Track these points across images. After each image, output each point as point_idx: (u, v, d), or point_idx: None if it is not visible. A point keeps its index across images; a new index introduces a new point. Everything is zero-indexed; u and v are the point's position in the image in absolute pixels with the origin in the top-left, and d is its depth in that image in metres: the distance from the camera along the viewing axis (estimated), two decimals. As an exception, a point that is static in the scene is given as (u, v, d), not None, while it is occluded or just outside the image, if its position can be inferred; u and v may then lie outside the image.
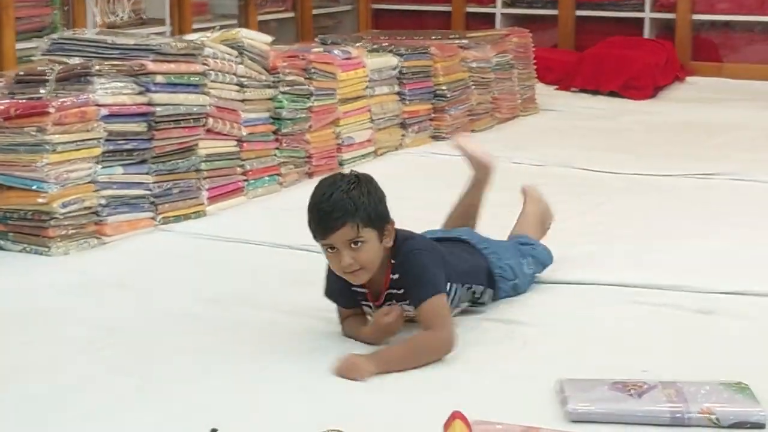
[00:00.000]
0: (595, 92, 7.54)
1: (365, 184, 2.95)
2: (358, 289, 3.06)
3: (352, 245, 2.88)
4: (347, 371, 2.81)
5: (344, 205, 2.86)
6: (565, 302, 3.43)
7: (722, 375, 2.74)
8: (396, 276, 3.01)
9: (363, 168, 5.24)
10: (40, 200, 3.89)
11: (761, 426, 2.53)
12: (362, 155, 5.45)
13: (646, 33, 8.00)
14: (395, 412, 2.61)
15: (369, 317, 3.12)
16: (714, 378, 2.71)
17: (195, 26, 6.70)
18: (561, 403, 2.62)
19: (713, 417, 2.55)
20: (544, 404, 2.65)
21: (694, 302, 3.40)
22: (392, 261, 3.01)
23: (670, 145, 6.00)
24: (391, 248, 3.01)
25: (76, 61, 4.31)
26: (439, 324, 2.94)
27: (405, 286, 3.01)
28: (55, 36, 4.73)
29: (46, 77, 4.11)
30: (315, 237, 2.94)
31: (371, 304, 3.09)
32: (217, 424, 2.47)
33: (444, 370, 2.86)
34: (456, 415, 2.23)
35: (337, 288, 3.09)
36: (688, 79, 7.85)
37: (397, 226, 3.04)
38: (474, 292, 3.24)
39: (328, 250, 2.92)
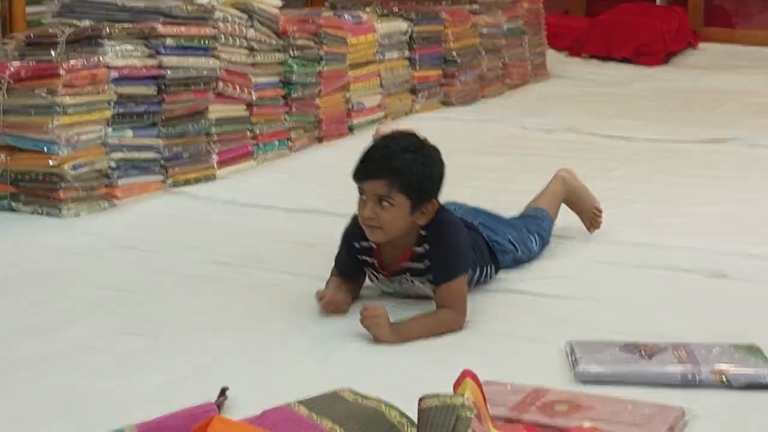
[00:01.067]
0: (606, 58, 7.54)
1: (426, 154, 2.89)
2: (366, 258, 3.03)
3: (381, 202, 2.84)
4: (372, 327, 2.77)
5: (390, 162, 2.83)
6: (575, 265, 3.43)
7: (734, 337, 2.74)
8: (422, 249, 2.95)
9: (370, 135, 5.29)
10: (50, 162, 3.91)
11: (771, 386, 2.54)
12: (372, 120, 5.45)
13: (659, -1, 7.97)
14: (405, 373, 2.62)
15: (377, 284, 3.11)
16: (726, 340, 2.71)
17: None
18: (571, 365, 2.63)
19: (724, 378, 2.55)
20: (554, 366, 2.66)
21: (706, 265, 3.39)
22: (422, 232, 2.95)
23: (681, 111, 6.00)
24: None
25: (86, 23, 4.29)
26: (460, 306, 2.91)
27: (432, 258, 2.94)
28: (65, -1, 4.72)
29: (57, 39, 4.10)
30: (353, 175, 2.89)
31: (378, 274, 3.06)
32: (227, 383, 2.48)
33: (454, 333, 2.87)
34: (466, 374, 2.22)
35: (345, 255, 3.06)
36: (701, 45, 7.82)
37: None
38: (483, 273, 3.18)
39: (361, 195, 2.89)
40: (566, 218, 3.64)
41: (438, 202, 2.95)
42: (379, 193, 2.83)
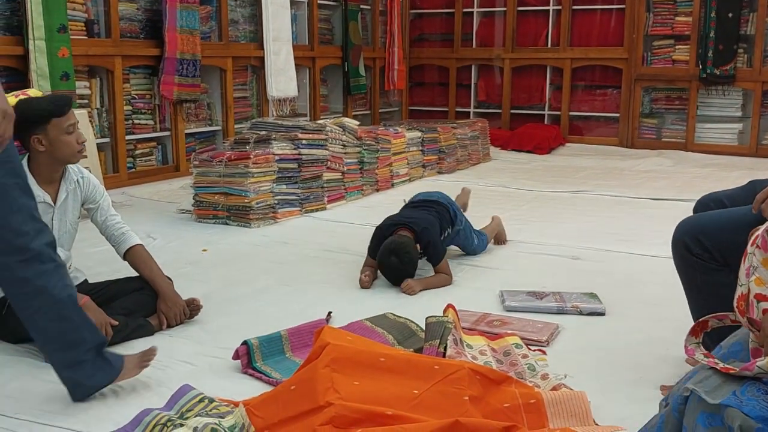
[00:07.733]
0: (519, 150, 7.45)
1: (407, 245, 2.81)
2: None
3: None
4: (406, 289, 2.73)
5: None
6: (504, 254, 3.38)
7: (583, 289, 2.71)
8: (422, 251, 2.88)
9: (402, 188, 5.29)
10: (246, 200, 3.92)
11: (601, 313, 2.50)
12: (403, 181, 5.40)
13: (546, 120, 7.88)
14: (418, 306, 2.59)
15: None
16: (579, 290, 2.69)
17: (322, 116, 6.71)
18: (501, 301, 2.61)
19: (579, 309, 2.53)
20: (493, 302, 2.64)
21: (567, 252, 3.35)
22: (417, 242, 2.87)
23: (557, 176, 5.92)
24: (415, 234, 2.87)
25: (263, 133, 4.32)
26: (449, 272, 2.87)
27: (429, 254, 2.87)
28: (253, 120, 4.75)
29: (249, 140, 4.13)
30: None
31: None
32: (331, 309, 2.49)
33: (448, 286, 2.84)
34: (449, 306, 2.22)
35: (376, 246, 2.93)
36: (567, 144, 7.71)
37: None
38: (447, 234, 3.04)
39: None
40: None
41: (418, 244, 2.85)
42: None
